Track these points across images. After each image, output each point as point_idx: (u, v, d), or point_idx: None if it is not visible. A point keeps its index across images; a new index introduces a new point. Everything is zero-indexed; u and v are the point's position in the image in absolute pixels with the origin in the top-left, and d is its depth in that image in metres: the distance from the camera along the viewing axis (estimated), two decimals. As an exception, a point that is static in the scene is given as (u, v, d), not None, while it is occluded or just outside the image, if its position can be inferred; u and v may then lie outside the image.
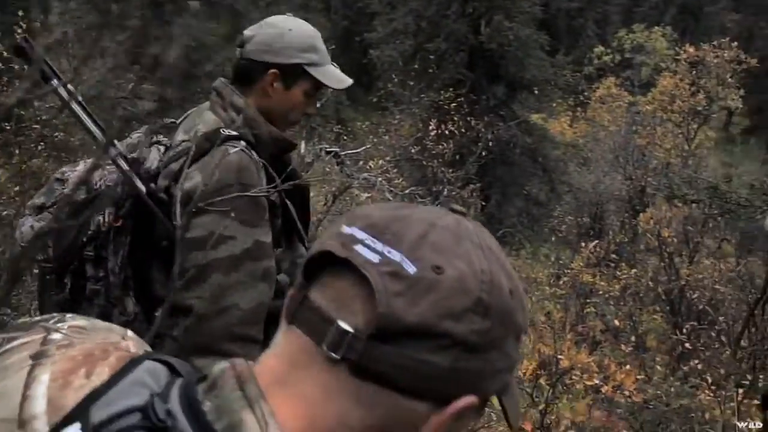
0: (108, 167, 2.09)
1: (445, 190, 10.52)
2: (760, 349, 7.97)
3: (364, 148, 12.03)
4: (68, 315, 0.79)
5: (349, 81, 2.35)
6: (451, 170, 11.66)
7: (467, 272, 0.68)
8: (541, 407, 4.57)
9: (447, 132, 13.57)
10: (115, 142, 2.09)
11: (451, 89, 16.39)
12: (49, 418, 0.66)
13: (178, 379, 0.71)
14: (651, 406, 6.54)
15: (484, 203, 16.56)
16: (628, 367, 4.64)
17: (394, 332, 0.66)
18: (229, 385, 0.68)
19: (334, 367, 0.67)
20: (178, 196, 1.97)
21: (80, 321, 0.78)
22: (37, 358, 0.70)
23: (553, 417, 4.30)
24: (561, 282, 11.76)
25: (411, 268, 0.67)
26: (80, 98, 2.00)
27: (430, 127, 13.83)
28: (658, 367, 8.57)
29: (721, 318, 9.84)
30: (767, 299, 7.23)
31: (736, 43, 21.42)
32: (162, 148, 2.18)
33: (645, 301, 11.29)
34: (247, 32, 2.22)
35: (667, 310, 10.84)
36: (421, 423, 0.69)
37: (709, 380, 7.30)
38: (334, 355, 0.67)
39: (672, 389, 7.16)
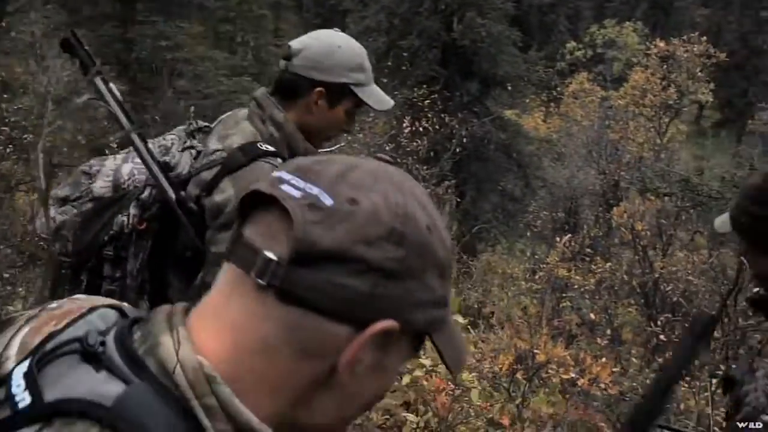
0: (137, 167, 2.07)
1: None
2: (732, 339, 8.06)
3: (338, 146, 12.03)
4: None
5: (391, 103, 2.31)
6: (425, 167, 11.66)
7: (382, 205, 0.74)
8: (518, 401, 4.58)
9: (421, 129, 13.55)
10: (149, 142, 2.08)
11: (424, 86, 16.37)
12: (17, 357, 0.75)
13: (124, 320, 0.79)
14: (627, 398, 6.60)
15: (459, 200, 16.57)
16: (604, 360, 4.65)
17: (312, 257, 0.71)
18: (158, 318, 0.76)
19: (261, 294, 0.73)
20: (208, 208, 1.98)
21: (80, 296, 0.86)
22: (28, 319, 0.80)
23: (530, 412, 4.31)
24: (537, 277, 11.81)
25: (328, 200, 0.73)
26: (118, 93, 2.00)
27: (404, 125, 13.80)
28: (634, 360, 8.64)
29: (694, 310, 9.93)
30: (739, 290, 7.30)
31: (705, 38, 21.65)
32: (194, 153, 2.14)
33: (620, 294, 11.37)
34: (294, 45, 2.15)
35: (642, 303, 10.93)
36: (343, 345, 0.74)
37: (684, 372, 7.38)
38: (260, 281, 0.72)
39: (647, 381, 7.22)
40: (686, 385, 6.84)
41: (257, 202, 0.77)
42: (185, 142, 2.15)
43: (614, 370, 5.82)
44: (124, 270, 2.05)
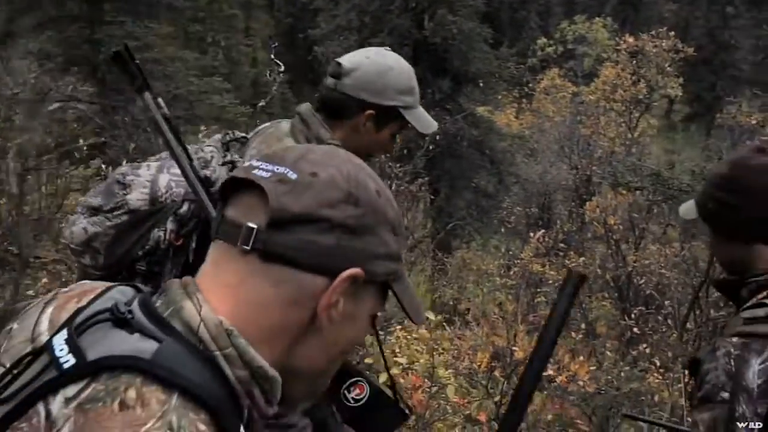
0: (175, 178, 2.00)
1: (393, 184, 10.50)
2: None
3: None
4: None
5: (435, 126, 2.27)
6: (398, 165, 11.62)
7: (337, 175, 0.90)
8: (496, 399, 4.59)
9: (394, 127, 13.56)
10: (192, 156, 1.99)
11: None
12: (50, 331, 0.88)
13: (141, 294, 0.93)
14: (602, 391, 6.64)
15: (433, 197, 16.62)
16: (581, 358, 4.67)
17: (286, 221, 0.86)
18: (174, 287, 0.90)
19: (246, 258, 0.88)
20: None
21: (87, 282, 1.00)
22: (48, 301, 0.94)
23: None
24: (511, 272, 11.85)
25: (293, 175, 0.88)
26: (167, 112, 1.93)
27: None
28: (608, 353, 8.70)
29: (667, 302, 10.02)
30: (711, 282, 7.38)
31: (673, 33, 21.85)
32: (230, 167, 2.07)
33: (594, 288, 11.45)
34: (345, 64, 2.09)
35: (616, 297, 11.02)
36: (320, 293, 0.89)
37: (658, 363, 7.44)
38: (246, 247, 0.87)
39: (622, 374, 7.27)
40: (660, 377, 6.91)
41: (235, 188, 0.92)
42: (225, 156, 2.09)
43: (591, 368, 5.85)
44: (156, 285, 1.92)
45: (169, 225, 1.98)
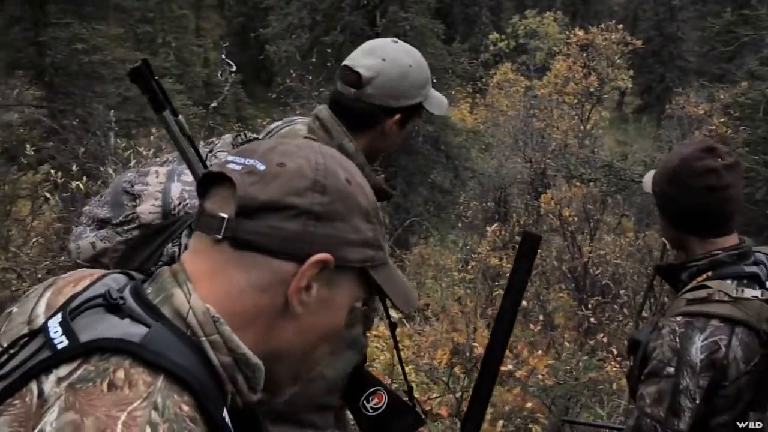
0: (187, 188, 1.88)
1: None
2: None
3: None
4: None
5: (446, 102, 2.17)
6: (355, 162, 11.61)
7: (305, 164, 0.93)
8: (458, 394, 4.59)
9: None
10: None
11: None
12: (46, 314, 0.92)
13: (134, 281, 0.97)
14: (561, 382, 6.70)
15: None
16: (539, 351, 4.69)
17: (254, 209, 0.90)
18: (165, 275, 0.94)
19: (220, 246, 0.92)
20: None
21: (86, 269, 1.04)
22: (47, 286, 0.99)
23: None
24: (469, 267, 11.89)
25: (261, 166, 0.92)
26: (187, 128, 1.77)
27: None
28: (567, 344, 8.76)
29: (622, 291, 10.16)
30: (654, 268, 7.46)
31: (621, 26, 22.15)
32: None
33: (551, 280, 11.55)
34: (364, 72, 1.93)
35: (573, 288, 11.13)
36: (289, 278, 0.92)
37: (615, 352, 7.52)
38: (218, 236, 0.91)
39: (580, 364, 7.34)
40: (617, 366, 6.99)
41: (212, 181, 0.96)
42: None
43: (550, 362, 5.88)
44: None
45: (184, 239, 1.85)
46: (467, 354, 4.83)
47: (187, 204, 1.88)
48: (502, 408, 4.53)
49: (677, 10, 34.07)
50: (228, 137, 2.10)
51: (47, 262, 6.59)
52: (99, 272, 1.00)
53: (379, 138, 2.02)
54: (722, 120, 15.27)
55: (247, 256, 0.91)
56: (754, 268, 2.00)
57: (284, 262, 0.92)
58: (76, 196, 7.04)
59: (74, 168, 7.28)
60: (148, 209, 1.87)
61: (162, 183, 1.91)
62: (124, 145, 8.58)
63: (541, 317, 9.71)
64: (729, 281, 1.96)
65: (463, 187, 18.62)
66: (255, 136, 2.11)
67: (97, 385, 0.80)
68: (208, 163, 1.87)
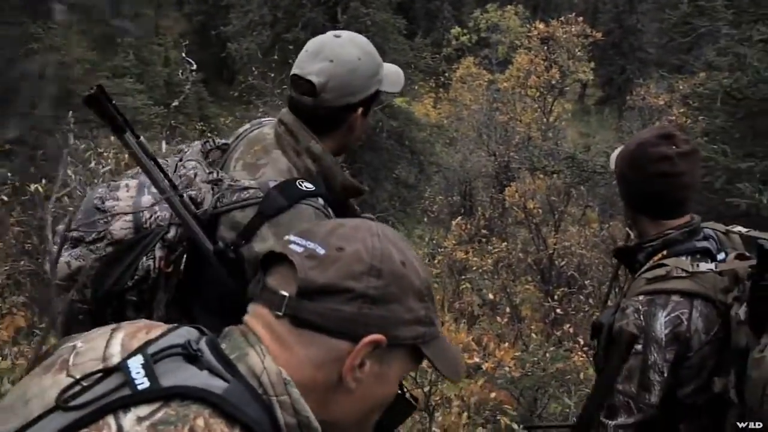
0: (158, 204, 1.86)
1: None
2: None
3: (227, 143, 11.77)
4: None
5: (402, 75, 2.16)
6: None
7: (362, 249, 1.01)
8: (426, 389, 4.59)
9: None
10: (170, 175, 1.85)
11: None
12: (121, 354, 0.96)
13: (205, 336, 1.03)
14: (529, 373, 6.74)
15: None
16: (506, 344, 4.72)
17: (313, 291, 0.98)
18: (236, 334, 1.02)
19: (281, 321, 1.00)
20: (247, 258, 1.83)
21: (142, 320, 1.08)
22: (114, 329, 1.02)
23: (437, 398, 4.32)
24: (436, 261, 11.92)
25: (321, 250, 1.00)
26: (152, 151, 1.79)
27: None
28: (534, 335, 8.82)
29: (588, 282, 10.27)
30: (611, 251, 7.55)
31: (582, 19, 22.32)
32: (214, 185, 1.92)
33: (517, 272, 11.62)
34: (315, 79, 1.91)
35: (539, 279, 11.21)
36: (344, 356, 0.99)
37: (582, 342, 7.59)
38: (278, 313, 1.00)
39: (547, 355, 7.39)
40: (584, 356, 7.04)
41: (275, 259, 1.05)
42: (210, 173, 1.93)
43: (516, 354, 5.90)
44: (149, 314, 1.87)
45: (158, 252, 1.84)
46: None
47: (158, 216, 1.85)
48: (468, 400, 4.53)
49: (636, 2, 34.38)
50: (197, 144, 2.08)
51: (6, 267, 6.46)
52: (164, 326, 1.05)
53: (347, 134, 2.03)
54: (681, 110, 15.46)
55: (306, 333, 0.99)
56: (705, 243, 2.11)
57: (340, 341, 0.99)
58: (35, 198, 6.92)
59: (32, 170, 7.17)
60: (120, 225, 1.84)
61: (133, 197, 1.89)
62: (83, 146, 8.44)
63: (507, 310, 9.77)
64: (684, 257, 2.07)
65: (428, 181, 18.66)
66: (224, 141, 2.10)
67: (177, 428, 0.87)
68: (176, 173, 1.90)
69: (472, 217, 14.21)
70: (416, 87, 23.73)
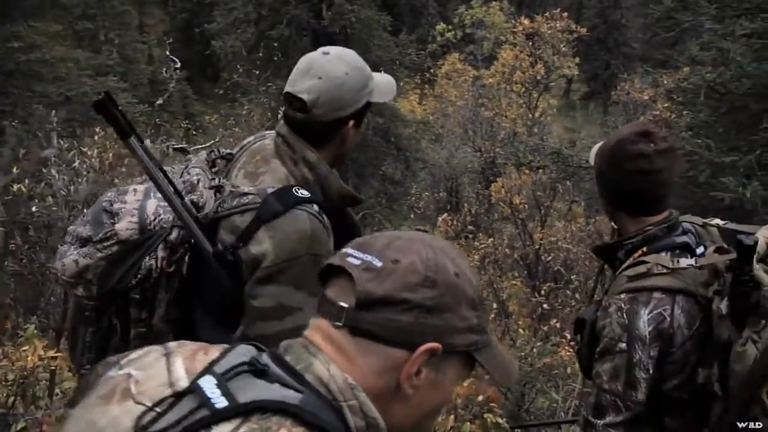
0: (162, 204, 1.97)
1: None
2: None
3: (212, 142, 11.73)
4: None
5: (393, 84, 2.29)
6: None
7: (417, 261, 1.04)
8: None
9: (298, 119, 13.43)
10: (174, 181, 1.97)
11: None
12: (189, 377, 1.00)
13: (261, 351, 1.06)
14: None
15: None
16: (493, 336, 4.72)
17: (371, 302, 1.02)
18: (296, 347, 1.06)
19: (340, 331, 1.04)
20: (245, 260, 1.94)
21: (188, 342, 1.12)
22: (166, 353, 1.06)
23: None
24: (423, 258, 11.88)
25: (378, 263, 1.04)
26: (154, 156, 1.93)
27: (279, 116, 13.67)
28: (521, 330, 8.86)
29: (574, 276, 10.31)
30: (590, 249, 7.59)
31: (566, 14, 22.37)
32: (216, 190, 2.05)
33: (504, 268, 11.64)
34: (305, 96, 2.02)
35: (525, 275, 11.24)
36: (401, 365, 1.03)
37: (568, 337, 7.61)
38: (338, 323, 1.04)
39: (535, 350, 7.42)
40: (571, 350, 7.07)
41: (334, 271, 1.08)
42: (212, 180, 2.05)
43: (505, 348, 5.92)
44: (150, 311, 2.00)
45: (160, 253, 1.96)
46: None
47: (162, 219, 1.97)
48: (454, 400, 4.54)
49: (621, -3, 34.51)
50: (203, 154, 2.19)
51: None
52: (219, 346, 1.08)
53: (341, 145, 2.13)
54: (666, 105, 15.51)
55: (364, 342, 1.03)
56: (684, 238, 2.12)
57: (397, 349, 1.03)
58: (19, 199, 6.87)
59: (15, 170, 7.11)
60: (125, 226, 1.96)
61: (139, 200, 2.01)
62: (67, 146, 8.39)
63: (495, 305, 9.79)
64: (664, 253, 2.07)
65: (415, 178, 18.67)
66: (228, 151, 2.21)
67: None
68: (180, 179, 2.03)
69: (458, 213, 14.23)
70: (402, 83, 23.70)
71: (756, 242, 1.86)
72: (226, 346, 1.08)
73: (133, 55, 24.98)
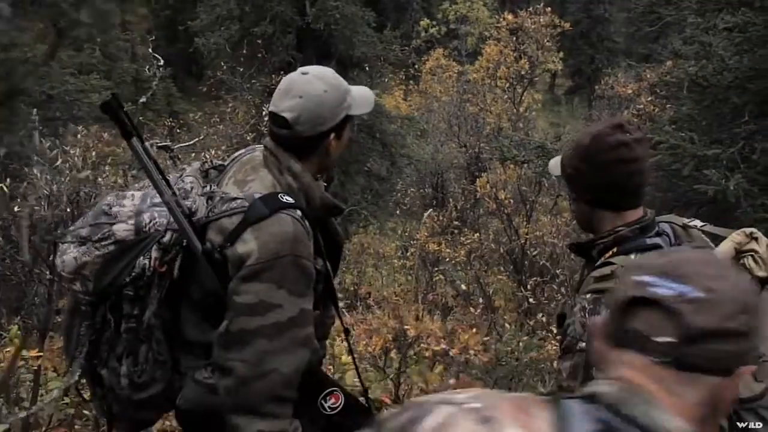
0: (157, 209, 2.14)
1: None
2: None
3: (197, 139, 11.69)
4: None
5: (372, 96, 2.46)
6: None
7: (729, 288, 1.05)
8: (391, 376, 4.60)
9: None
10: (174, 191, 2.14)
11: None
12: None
13: (593, 405, 1.05)
14: (503, 363, 6.77)
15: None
16: (474, 330, 4.74)
17: (696, 335, 1.02)
18: (629, 392, 1.04)
19: (665, 368, 1.04)
20: (230, 258, 2.07)
21: (463, 394, 1.07)
22: (484, 422, 0.99)
23: (406, 387, 4.32)
24: (409, 254, 11.92)
25: (694, 293, 1.03)
26: (154, 155, 2.10)
27: (264, 113, 13.61)
28: (507, 325, 8.86)
29: (560, 271, 10.32)
30: (567, 246, 7.62)
31: (550, 9, 22.41)
32: (208, 197, 2.21)
33: (490, 263, 11.65)
34: (287, 115, 2.18)
35: (511, 270, 11.25)
36: (720, 389, 1.05)
37: (555, 331, 7.63)
38: (664, 360, 1.04)
39: (521, 344, 7.42)
40: (557, 344, 7.08)
41: (635, 302, 1.07)
42: (205, 187, 2.22)
43: (486, 338, 5.94)
44: (142, 308, 2.14)
45: (154, 253, 2.10)
46: (401, 338, 4.83)
47: (157, 222, 2.13)
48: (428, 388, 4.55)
49: (604, -8, 34.59)
50: (196, 164, 2.37)
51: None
52: (538, 400, 1.08)
53: (324, 156, 2.28)
54: (649, 99, 15.60)
55: (688, 375, 1.04)
56: (656, 240, 2.11)
57: (716, 377, 1.05)
58: (0, 198, 6.81)
59: (-3, 171, 7.05)
60: (122, 227, 2.13)
61: (136, 204, 2.18)
62: (49, 144, 8.32)
63: (481, 300, 9.81)
64: (632, 255, 2.07)
65: (400, 174, 18.66)
66: (221, 162, 2.38)
67: None
68: (176, 186, 2.19)
69: (444, 208, 14.23)
70: (386, 80, 23.70)
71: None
72: (549, 398, 1.08)
73: (116, 53, 24.79)
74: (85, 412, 3.76)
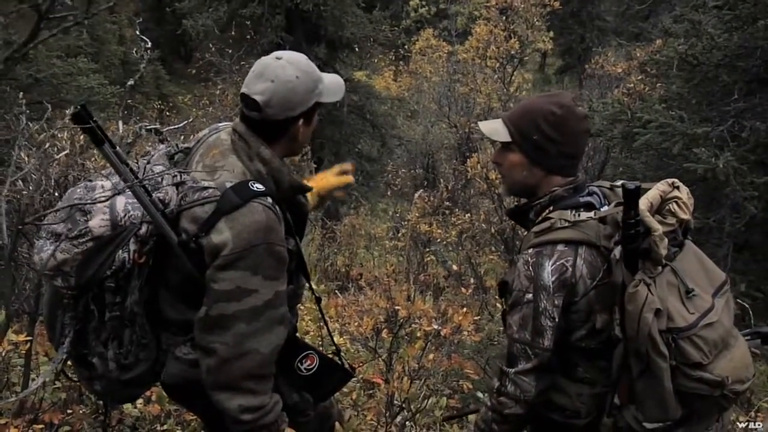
0: (130, 201, 2.22)
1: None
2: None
3: (185, 122, 11.62)
4: None
5: (342, 85, 2.52)
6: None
7: None
8: (383, 357, 4.62)
9: (272, 97, 13.31)
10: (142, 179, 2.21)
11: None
12: None
13: None
14: (495, 343, 6.80)
15: (316, 165, 16.53)
16: (465, 309, 4.76)
17: None
18: None
19: None
20: (206, 248, 2.16)
21: None
22: None
23: (399, 367, 4.34)
24: (400, 234, 11.92)
25: None
26: (130, 163, 2.18)
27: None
28: (499, 305, 8.88)
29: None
30: (504, 212, 7.68)
31: (540, -13, 22.30)
32: (178, 187, 2.29)
33: (481, 243, 11.66)
34: (258, 98, 2.25)
35: (503, 249, 11.27)
36: None
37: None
38: None
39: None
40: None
41: None
42: (175, 177, 2.27)
43: (476, 318, 5.96)
44: (123, 296, 2.25)
45: (132, 246, 2.20)
46: (393, 319, 4.85)
47: (131, 215, 2.21)
48: (432, 370, 4.56)
49: (594, -30, 34.45)
50: (162, 148, 2.45)
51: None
52: None
53: (293, 141, 2.38)
54: (639, 77, 15.57)
55: None
56: (588, 198, 2.27)
57: None
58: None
59: (-18, 172, 6.99)
60: (98, 223, 2.19)
61: (108, 197, 2.25)
62: (36, 128, 8.26)
63: (472, 280, 9.83)
64: (567, 211, 2.23)
65: (391, 155, 18.65)
66: (186, 145, 2.45)
67: None
68: (145, 174, 2.27)
69: (435, 189, 14.22)
70: (376, 60, 23.62)
71: (638, 186, 1.97)
72: None
73: (104, 36, 24.59)
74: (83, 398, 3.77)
